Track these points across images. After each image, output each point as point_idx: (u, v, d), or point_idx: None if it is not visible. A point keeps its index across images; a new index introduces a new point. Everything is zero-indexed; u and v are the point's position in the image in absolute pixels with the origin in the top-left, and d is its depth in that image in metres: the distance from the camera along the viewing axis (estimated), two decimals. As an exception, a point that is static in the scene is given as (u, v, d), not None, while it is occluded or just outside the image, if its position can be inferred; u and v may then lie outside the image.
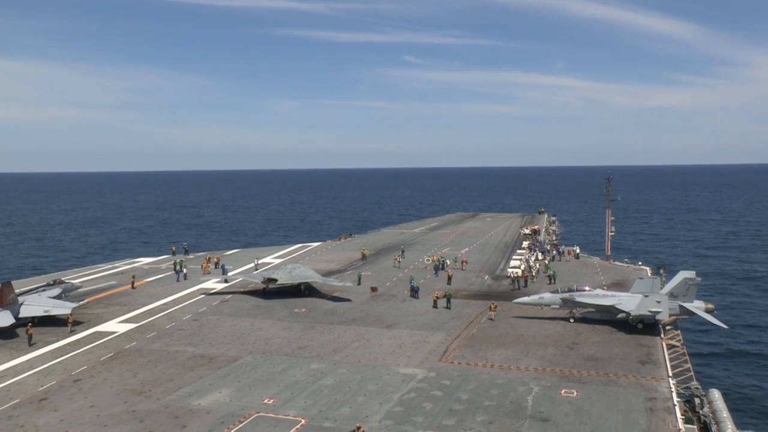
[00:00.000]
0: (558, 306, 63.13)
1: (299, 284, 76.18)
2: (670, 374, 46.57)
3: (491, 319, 62.31)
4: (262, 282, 75.63)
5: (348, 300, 72.52)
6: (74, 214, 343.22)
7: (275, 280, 75.04)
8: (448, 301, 69.15)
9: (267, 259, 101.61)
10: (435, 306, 68.50)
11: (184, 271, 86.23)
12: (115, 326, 60.92)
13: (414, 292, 73.65)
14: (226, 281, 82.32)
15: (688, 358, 51.33)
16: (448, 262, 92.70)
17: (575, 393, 42.75)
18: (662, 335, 57.18)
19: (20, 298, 60.65)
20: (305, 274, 78.02)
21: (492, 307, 63.82)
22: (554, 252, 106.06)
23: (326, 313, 66.72)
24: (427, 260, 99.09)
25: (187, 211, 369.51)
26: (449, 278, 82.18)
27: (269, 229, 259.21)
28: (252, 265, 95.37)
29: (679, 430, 37.06)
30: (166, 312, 66.72)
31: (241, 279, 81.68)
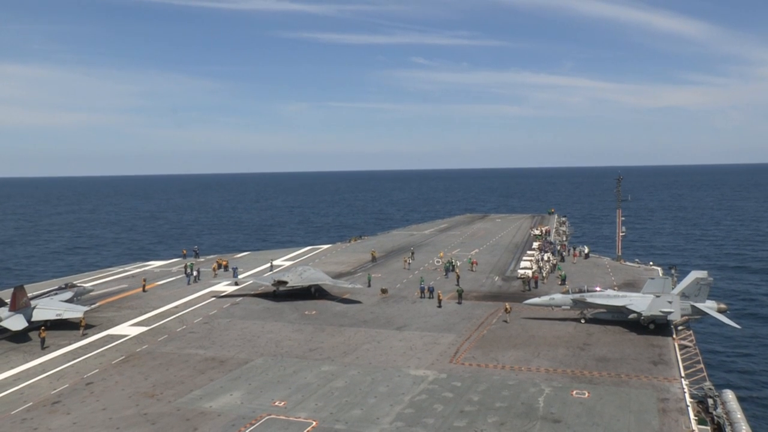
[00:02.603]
0: (569, 307, 62.88)
1: (309, 286, 76.31)
2: (683, 375, 46.28)
3: (505, 321, 62.16)
4: (273, 284, 75.83)
5: (358, 302, 72.56)
6: (70, 217, 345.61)
7: (285, 283, 75.21)
8: (460, 296, 71.18)
9: (277, 261, 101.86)
10: (439, 306, 68.73)
11: (194, 273, 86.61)
12: (127, 329, 61.25)
13: (430, 292, 73.83)
14: (236, 284, 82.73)
15: (701, 358, 50.95)
16: (458, 263, 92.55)
17: (587, 394, 42.54)
18: (674, 335, 56.81)
19: (33, 302, 61.14)
20: (315, 276, 78.14)
21: (507, 308, 63.74)
22: (563, 253, 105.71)
23: (336, 315, 66.79)
24: (437, 261, 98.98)
25: (192, 214, 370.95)
26: (458, 278, 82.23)
27: (278, 232, 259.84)
28: (263, 267, 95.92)
29: (693, 431, 36.80)
30: (177, 315, 67.01)
31: (251, 281, 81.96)
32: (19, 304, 58.41)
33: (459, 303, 70.41)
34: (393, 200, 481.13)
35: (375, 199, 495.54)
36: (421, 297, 73.90)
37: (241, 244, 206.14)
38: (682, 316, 59.74)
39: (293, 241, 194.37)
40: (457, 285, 78.43)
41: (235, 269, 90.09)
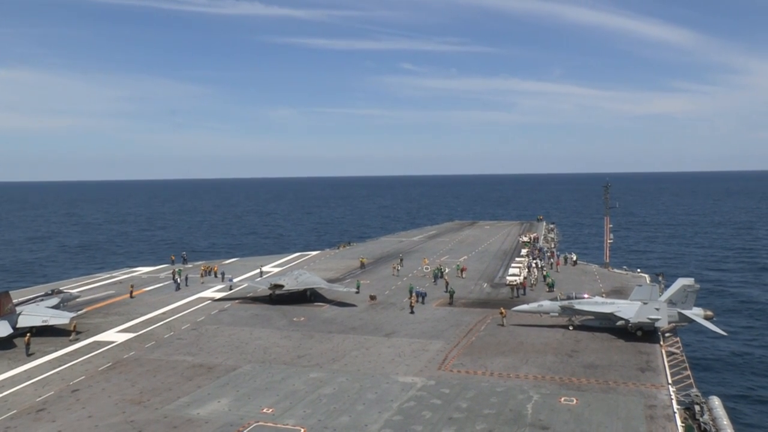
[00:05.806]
0: (557, 314, 63.14)
1: (305, 290, 76.51)
2: (670, 381, 46.50)
3: (501, 325, 62.44)
4: (269, 288, 75.93)
5: (353, 305, 72.70)
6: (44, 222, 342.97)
7: (282, 286, 75.33)
8: (451, 297, 74.21)
9: (266, 268, 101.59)
10: (412, 312, 69.25)
11: (178, 280, 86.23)
12: (114, 336, 60.80)
13: (422, 298, 74.15)
14: (230, 288, 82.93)
15: (687, 365, 51.25)
16: (446, 270, 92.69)
17: (575, 401, 42.66)
18: (662, 342, 57.12)
19: (18, 308, 60.50)
20: (311, 280, 78.67)
21: (503, 312, 63.92)
22: (551, 260, 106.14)
23: (325, 321, 66.64)
24: (426, 268, 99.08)
25: (181, 220, 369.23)
26: (447, 285, 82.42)
27: (265, 238, 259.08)
28: (252, 273, 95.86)
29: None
30: (165, 321, 66.62)
31: (246, 285, 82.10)
32: (4, 311, 57.81)
33: (450, 304, 72.12)
34: (381, 206, 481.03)
35: (376, 206, 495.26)
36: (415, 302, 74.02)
37: (247, 249, 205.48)
38: (669, 323, 60.08)
39: (288, 246, 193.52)
40: (446, 289, 78.76)
41: (224, 274, 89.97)
